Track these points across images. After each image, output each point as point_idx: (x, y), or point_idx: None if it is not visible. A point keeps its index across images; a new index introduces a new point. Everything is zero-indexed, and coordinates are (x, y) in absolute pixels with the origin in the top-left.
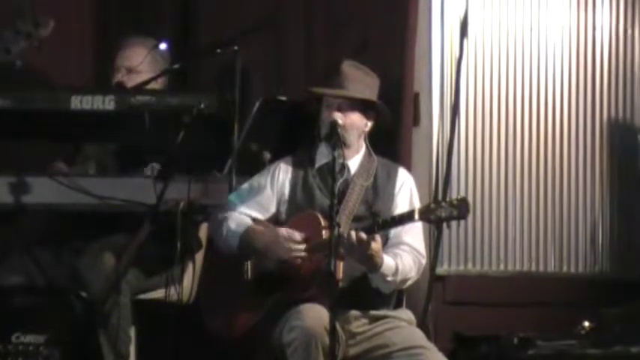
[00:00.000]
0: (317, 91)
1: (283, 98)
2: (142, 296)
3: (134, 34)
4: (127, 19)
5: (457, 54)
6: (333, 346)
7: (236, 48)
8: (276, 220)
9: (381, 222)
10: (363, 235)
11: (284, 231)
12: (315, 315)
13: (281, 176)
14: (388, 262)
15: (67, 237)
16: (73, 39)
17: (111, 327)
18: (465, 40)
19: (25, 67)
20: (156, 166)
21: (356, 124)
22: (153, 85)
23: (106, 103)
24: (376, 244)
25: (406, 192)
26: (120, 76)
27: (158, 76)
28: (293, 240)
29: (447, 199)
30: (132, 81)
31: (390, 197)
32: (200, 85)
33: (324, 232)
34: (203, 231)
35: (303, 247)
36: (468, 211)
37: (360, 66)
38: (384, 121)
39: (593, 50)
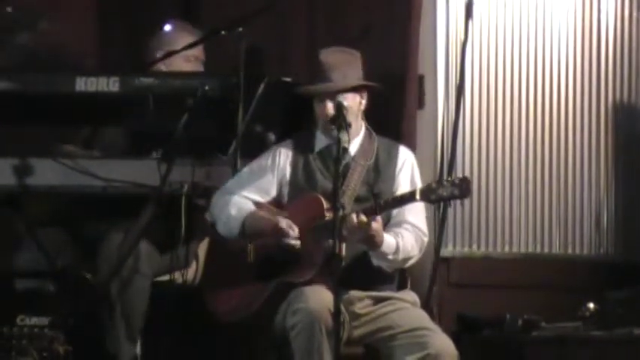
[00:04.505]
0: (305, 91)
1: (287, 80)
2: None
3: (178, 21)
4: (129, 1)
5: (462, 36)
6: (337, 329)
7: (241, 30)
8: (277, 203)
9: (383, 203)
10: (364, 218)
11: (284, 223)
12: (318, 297)
13: (282, 159)
14: (389, 240)
15: (73, 220)
16: (74, 24)
17: (128, 308)
18: (470, 22)
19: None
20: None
21: (351, 106)
22: (190, 67)
23: (110, 85)
24: (377, 224)
25: (407, 170)
26: (191, 66)
27: (163, 57)
28: (290, 233)
29: (449, 179)
30: (198, 69)
31: (392, 176)
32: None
33: (327, 214)
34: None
35: (298, 242)
36: (469, 190)
37: (337, 49)
38: (377, 94)
39: (598, 33)
